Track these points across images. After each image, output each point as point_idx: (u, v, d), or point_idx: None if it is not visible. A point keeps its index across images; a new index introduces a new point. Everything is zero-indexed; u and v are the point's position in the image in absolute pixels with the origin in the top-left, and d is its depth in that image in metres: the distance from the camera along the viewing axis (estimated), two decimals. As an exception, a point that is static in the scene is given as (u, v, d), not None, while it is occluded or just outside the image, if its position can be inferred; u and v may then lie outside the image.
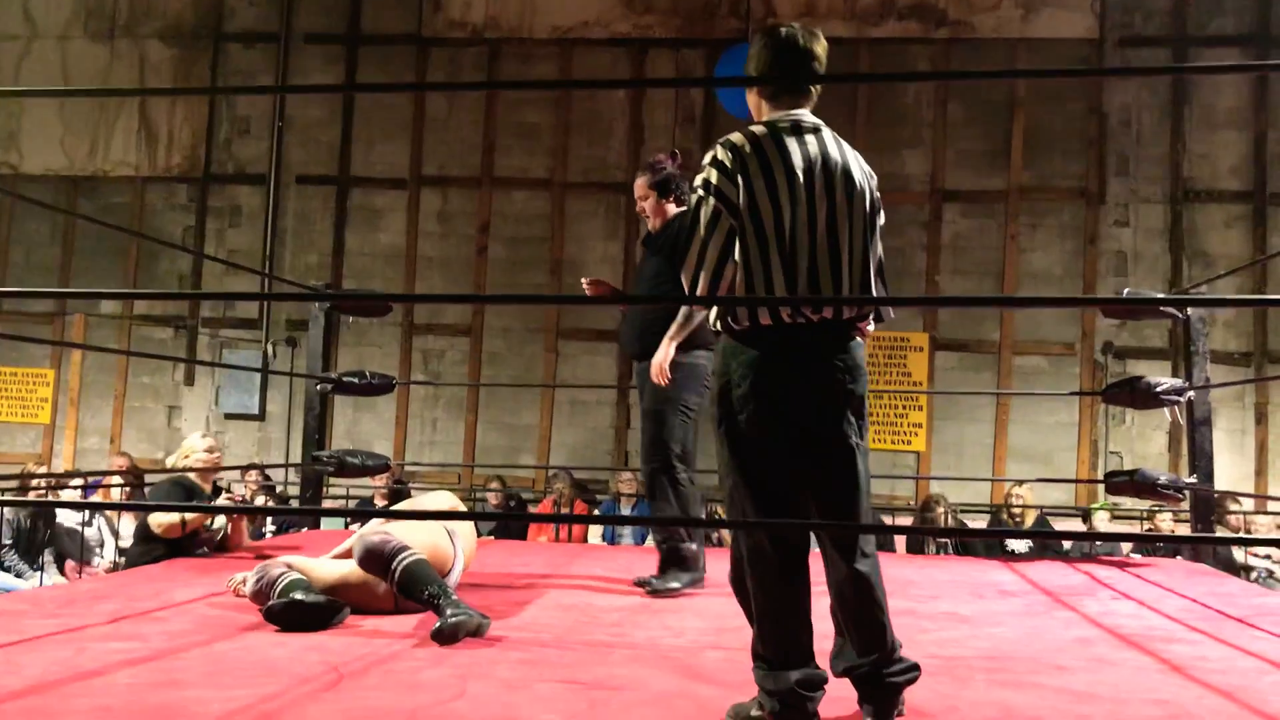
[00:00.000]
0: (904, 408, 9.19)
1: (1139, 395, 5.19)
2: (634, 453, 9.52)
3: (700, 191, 2.42)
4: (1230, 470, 8.60)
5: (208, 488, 5.35)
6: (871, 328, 2.49)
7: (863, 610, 2.32)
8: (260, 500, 8.23)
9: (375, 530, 3.50)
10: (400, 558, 3.35)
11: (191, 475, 5.39)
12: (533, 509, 8.88)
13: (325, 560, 3.66)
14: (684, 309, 3.90)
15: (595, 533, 8.07)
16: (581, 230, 9.78)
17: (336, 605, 3.33)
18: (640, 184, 4.45)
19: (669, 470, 4.21)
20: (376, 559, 3.39)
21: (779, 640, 2.32)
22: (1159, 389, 5.10)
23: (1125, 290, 7.58)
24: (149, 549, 5.34)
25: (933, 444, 9.16)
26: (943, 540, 7.25)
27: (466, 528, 3.99)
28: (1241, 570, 7.04)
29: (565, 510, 8.05)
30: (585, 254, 9.73)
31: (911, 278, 9.26)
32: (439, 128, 9.96)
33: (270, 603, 3.27)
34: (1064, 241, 9.24)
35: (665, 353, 4.02)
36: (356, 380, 5.68)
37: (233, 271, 9.56)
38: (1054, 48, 9.17)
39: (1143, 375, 5.52)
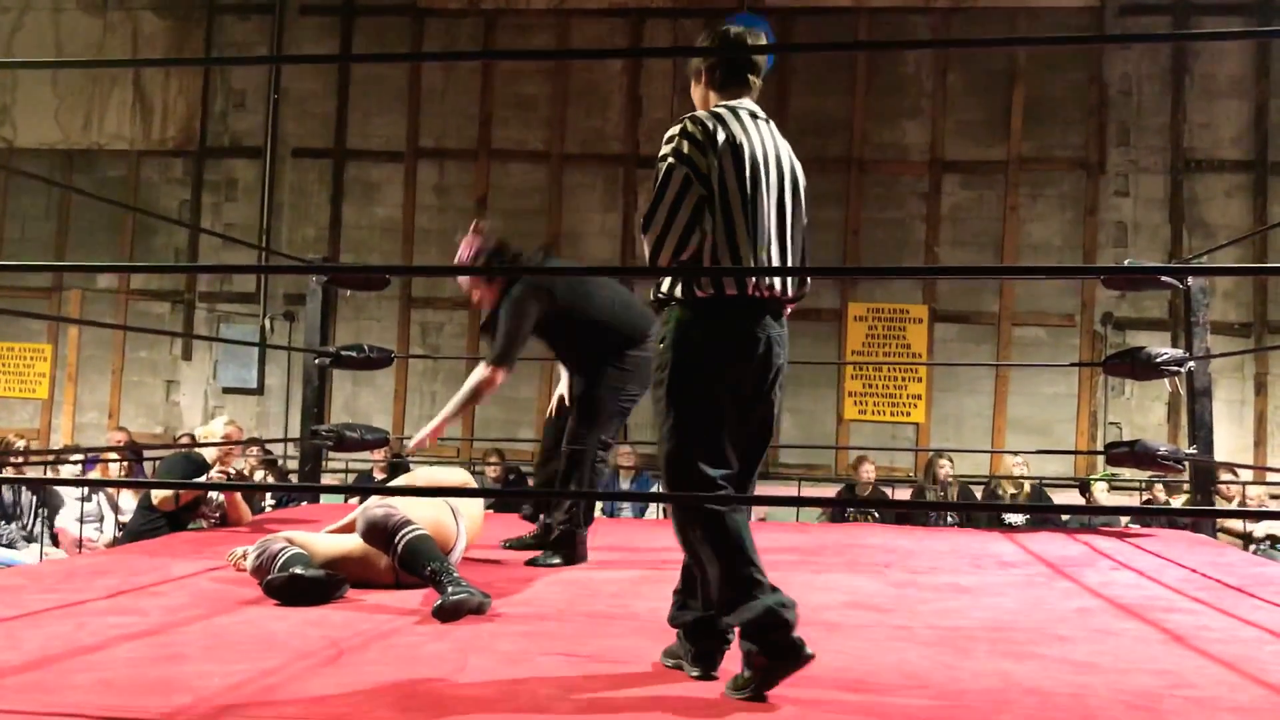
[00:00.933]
0: (903, 379, 9.19)
1: (1139, 366, 5.18)
2: (633, 425, 9.50)
3: (671, 159, 2.47)
4: (1229, 441, 8.60)
5: (217, 467, 5.32)
6: (789, 310, 2.64)
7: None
8: (260, 475, 8.22)
9: (379, 504, 3.49)
10: (403, 533, 3.34)
11: (204, 452, 5.40)
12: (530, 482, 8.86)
13: (325, 534, 3.65)
14: (471, 386, 4.13)
15: (595, 506, 8.06)
16: (579, 202, 9.74)
17: (336, 579, 3.33)
18: (464, 283, 4.63)
19: (594, 457, 4.25)
20: (379, 533, 3.38)
21: (740, 575, 2.36)
22: (1159, 360, 5.09)
23: (1126, 260, 7.57)
24: (149, 518, 5.35)
25: (932, 415, 9.17)
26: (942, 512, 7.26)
27: (473, 506, 3.97)
28: (1246, 540, 7.07)
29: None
30: (583, 226, 9.70)
31: (911, 249, 9.24)
32: (435, 100, 9.91)
33: (270, 577, 3.26)
34: (1064, 212, 9.21)
35: (436, 426, 4.18)
36: (355, 354, 5.66)
37: (229, 245, 9.52)
38: (1054, 16, 9.10)
39: (1143, 346, 5.52)
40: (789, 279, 2.50)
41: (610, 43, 9.67)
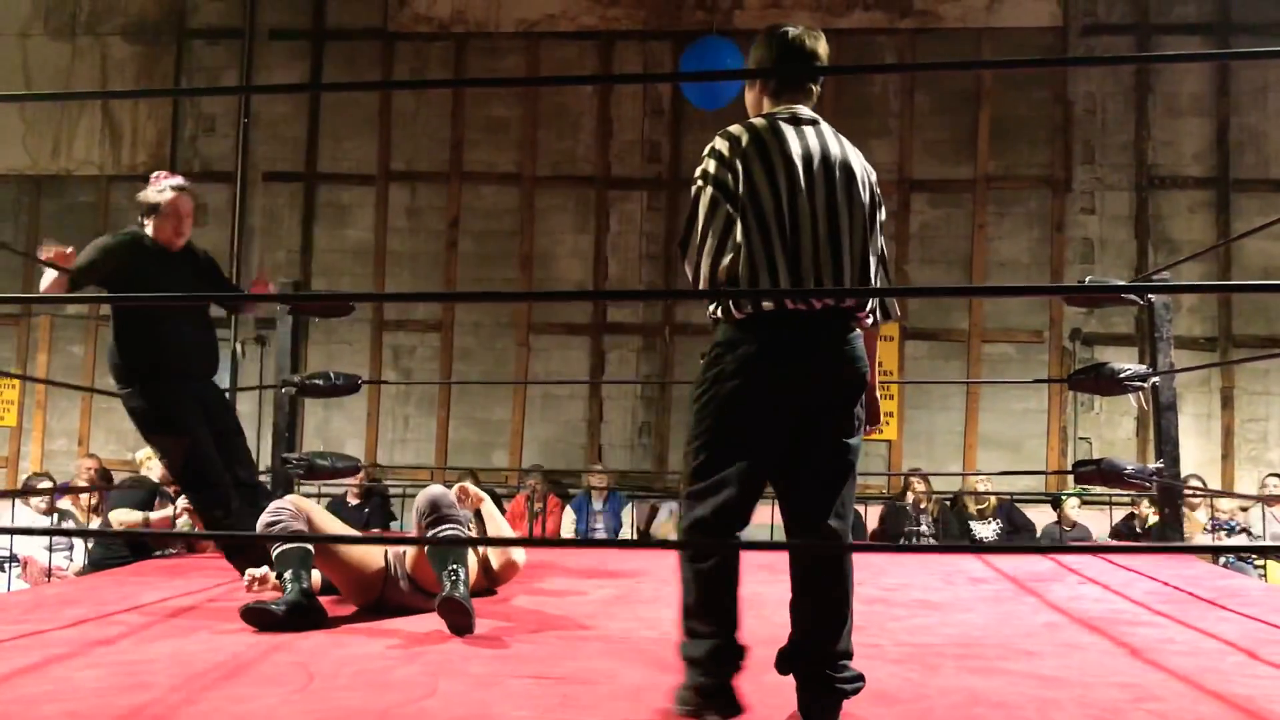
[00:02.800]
0: (875, 397, 9.22)
1: (1104, 382, 5.23)
2: (607, 446, 9.54)
3: (699, 180, 2.40)
4: (1197, 454, 8.70)
5: (172, 490, 5.32)
6: (870, 321, 2.46)
7: (824, 606, 2.33)
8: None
9: (445, 491, 3.54)
10: (453, 524, 3.38)
11: (154, 477, 5.38)
12: (506, 504, 8.85)
13: (329, 516, 3.66)
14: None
15: (568, 527, 8.07)
16: (551, 224, 9.76)
17: (313, 612, 3.31)
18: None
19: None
20: (434, 509, 3.41)
21: (705, 608, 2.32)
22: (1123, 375, 5.14)
23: (1089, 278, 7.64)
24: (112, 549, 5.33)
25: (904, 432, 9.22)
26: (911, 528, 7.30)
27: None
28: (1215, 554, 7.13)
29: (539, 505, 8.04)
30: (555, 248, 9.73)
31: (881, 268, 9.29)
32: (407, 123, 9.92)
33: (245, 605, 3.25)
34: (1031, 229, 9.31)
35: None
36: (321, 382, 5.63)
37: (200, 270, 9.45)
38: (1019, 37, 9.22)
39: (1107, 362, 5.57)
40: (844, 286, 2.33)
41: (580, 66, 9.71)
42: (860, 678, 2.32)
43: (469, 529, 3.55)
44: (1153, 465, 5.20)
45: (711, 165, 2.38)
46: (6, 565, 6.65)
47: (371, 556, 3.52)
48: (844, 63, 9.87)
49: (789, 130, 2.40)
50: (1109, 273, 8.84)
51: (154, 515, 5.76)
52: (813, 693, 2.29)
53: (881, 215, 2.50)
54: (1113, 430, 9.13)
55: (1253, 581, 5.76)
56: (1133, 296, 5.19)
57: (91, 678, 2.61)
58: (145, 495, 5.57)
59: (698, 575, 2.33)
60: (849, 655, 2.32)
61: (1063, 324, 9.16)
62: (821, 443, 2.36)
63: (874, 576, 4.52)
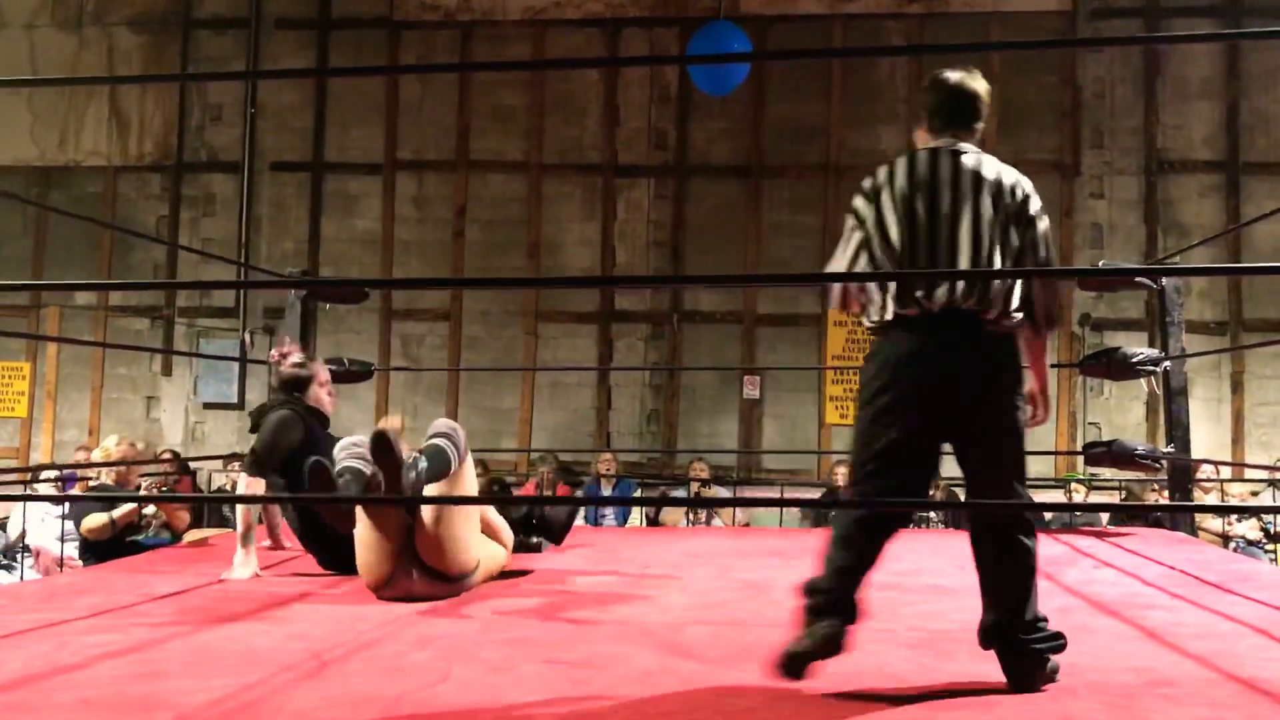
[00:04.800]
0: (884, 383, 9.21)
1: (1115, 366, 5.22)
2: (615, 434, 9.54)
3: (847, 213, 2.69)
4: (1207, 439, 8.67)
5: (131, 487, 5.42)
6: (1011, 323, 2.55)
7: (1004, 577, 2.54)
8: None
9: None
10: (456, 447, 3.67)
11: (109, 480, 5.45)
12: (516, 492, 8.87)
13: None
14: None
15: (576, 515, 8.06)
16: (558, 212, 9.75)
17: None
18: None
19: None
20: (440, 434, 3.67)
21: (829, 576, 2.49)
22: (1134, 360, 5.13)
23: (1100, 262, 7.62)
24: (91, 556, 5.41)
25: (913, 419, 9.18)
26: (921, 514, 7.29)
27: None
28: (1225, 540, 7.12)
29: (549, 493, 8.05)
30: (562, 235, 9.72)
31: (889, 254, 9.27)
32: (413, 112, 9.91)
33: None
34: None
35: None
36: (334, 368, 5.65)
37: (208, 260, 9.50)
38: (1027, 20, 9.17)
39: (1118, 347, 5.56)
40: (957, 289, 2.47)
41: (586, 52, 9.69)
42: (1059, 635, 2.51)
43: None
44: (1164, 448, 5.19)
45: (857, 197, 2.66)
46: (19, 557, 6.69)
47: (391, 528, 3.51)
48: (852, 47, 9.86)
49: (930, 160, 2.58)
50: (1118, 258, 8.81)
51: (117, 514, 5.80)
52: (1014, 658, 2.49)
53: (1033, 224, 2.59)
54: (1123, 416, 9.11)
55: (1264, 566, 5.75)
56: (1146, 280, 5.18)
57: (106, 666, 2.62)
58: (107, 503, 5.69)
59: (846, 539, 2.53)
60: (1042, 619, 2.51)
61: (1072, 309, 9.12)
62: (965, 436, 2.55)
63: (886, 562, 4.51)
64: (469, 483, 3.74)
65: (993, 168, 2.58)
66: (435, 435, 3.68)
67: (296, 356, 4.40)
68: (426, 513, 3.49)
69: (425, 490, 3.48)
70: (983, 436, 2.53)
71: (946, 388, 2.49)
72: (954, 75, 2.66)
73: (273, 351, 4.49)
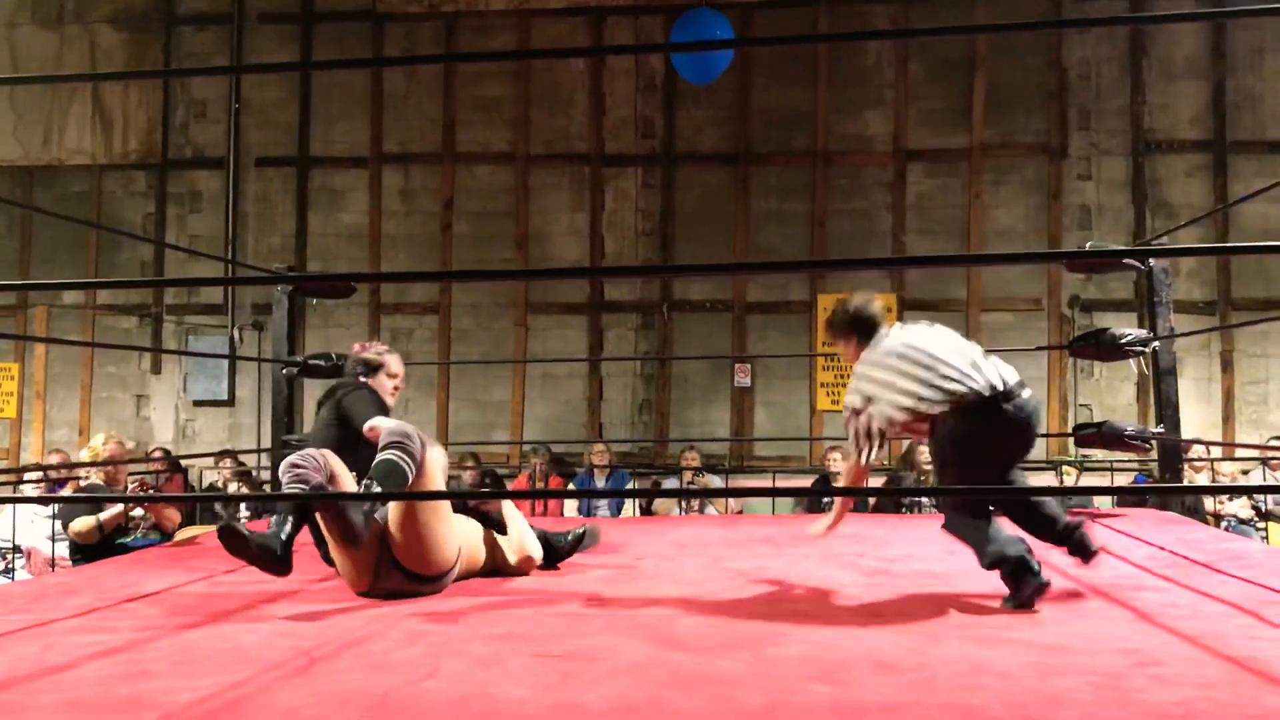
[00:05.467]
0: (874, 369, 9.21)
1: (1104, 348, 5.22)
2: (607, 424, 9.53)
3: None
4: (1198, 418, 8.70)
5: (120, 486, 5.42)
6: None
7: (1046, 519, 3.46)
8: (234, 487, 8.18)
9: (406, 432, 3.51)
10: (404, 454, 3.45)
11: (97, 479, 5.44)
12: (509, 484, 8.86)
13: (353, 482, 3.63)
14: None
15: (570, 507, 8.05)
16: (546, 203, 9.73)
17: (282, 559, 3.44)
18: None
19: None
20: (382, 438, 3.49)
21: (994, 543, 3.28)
22: (1123, 340, 5.13)
23: (1088, 244, 7.62)
24: (81, 557, 5.41)
25: (904, 404, 9.19)
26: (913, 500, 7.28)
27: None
28: (1216, 519, 7.13)
29: (541, 484, 8.04)
30: (550, 226, 9.70)
31: (877, 239, 9.28)
32: (398, 104, 9.87)
33: (220, 524, 3.42)
34: (1028, 197, 9.28)
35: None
36: (322, 363, 5.64)
37: (195, 258, 9.47)
38: (1013, 2, 9.15)
39: (1107, 328, 5.55)
40: (997, 381, 3.73)
41: (571, 42, 9.66)
42: (1081, 524, 3.45)
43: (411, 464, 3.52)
44: (1154, 428, 5.19)
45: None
46: (11, 558, 6.67)
47: (361, 557, 3.46)
48: (837, 33, 9.84)
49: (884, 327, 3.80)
50: (1107, 238, 8.82)
51: (104, 516, 5.79)
52: (1071, 544, 3.42)
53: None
54: (1113, 396, 9.12)
55: (1254, 544, 5.75)
56: (1134, 261, 5.17)
57: (93, 666, 2.61)
58: (95, 504, 5.70)
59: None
60: (1076, 524, 3.45)
61: (1061, 291, 9.13)
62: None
63: (876, 548, 4.52)
64: (434, 478, 3.62)
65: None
66: (383, 448, 3.47)
67: (380, 347, 4.46)
68: (394, 524, 3.44)
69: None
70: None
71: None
72: (856, 303, 3.69)
73: (357, 345, 4.51)
